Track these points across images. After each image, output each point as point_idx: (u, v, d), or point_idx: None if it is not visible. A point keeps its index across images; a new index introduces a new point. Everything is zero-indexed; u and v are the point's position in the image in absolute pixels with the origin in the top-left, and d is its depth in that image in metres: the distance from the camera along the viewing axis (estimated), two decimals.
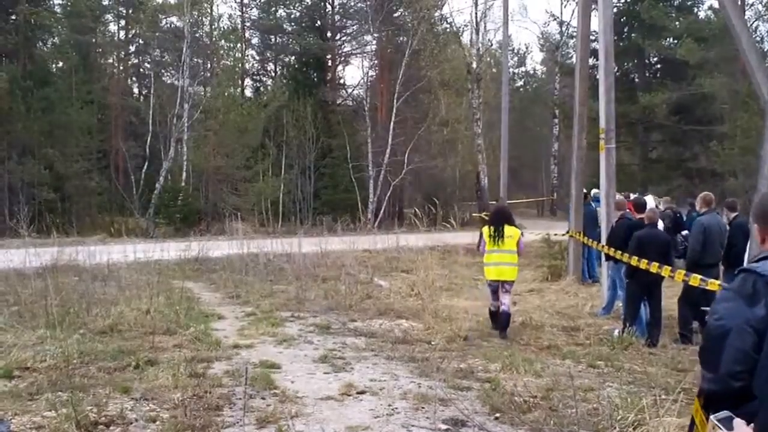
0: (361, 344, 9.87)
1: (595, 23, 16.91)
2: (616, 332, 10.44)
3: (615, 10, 21.61)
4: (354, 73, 72.57)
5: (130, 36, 48.42)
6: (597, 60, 17.30)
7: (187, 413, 6.54)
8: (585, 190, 16.53)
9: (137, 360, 8.44)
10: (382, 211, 39.03)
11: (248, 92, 49.94)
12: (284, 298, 13.79)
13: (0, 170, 33.23)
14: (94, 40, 44.26)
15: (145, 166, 38.95)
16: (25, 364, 8.22)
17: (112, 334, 9.97)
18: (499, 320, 10.83)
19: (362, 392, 7.50)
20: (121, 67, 49.52)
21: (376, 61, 48.20)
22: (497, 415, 6.74)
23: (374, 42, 47.25)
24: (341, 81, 52.15)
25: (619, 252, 11.09)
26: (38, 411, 6.64)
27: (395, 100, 39.79)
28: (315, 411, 6.83)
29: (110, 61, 48.63)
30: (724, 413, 2.51)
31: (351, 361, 8.85)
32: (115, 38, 48.17)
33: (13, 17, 38.66)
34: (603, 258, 13.24)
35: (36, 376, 7.88)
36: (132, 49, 49.44)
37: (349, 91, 51.77)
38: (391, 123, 39.58)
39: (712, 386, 2.69)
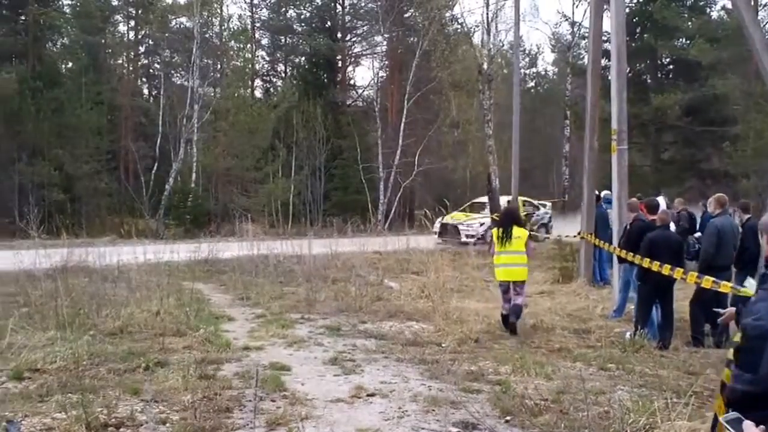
0: (371, 346, 9.83)
1: (608, 24, 16.84)
2: (627, 335, 10.37)
3: (627, 10, 21.52)
4: (364, 74, 72.82)
5: (139, 37, 48.47)
6: (609, 61, 17.28)
7: (197, 415, 6.54)
8: (597, 192, 16.47)
9: (147, 361, 8.45)
10: (392, 213, 39.05)
11: (258, 93, 50.03)
12: (294, 299, 13.80)
13: (10, 171, 33.36)
14: (103, 41, 44.31)
15: (155, 167, 39.03)
16: (35, 365, 8.23)
17: (122, 336, 9.99)
18: (511, 311, 10.95)
19: (372, 394, 7.48)
20: (131, 68, 49.58)
21: (386, 62, 48.27)
22: (508, 418, 6.71)
23: (385, 43, 47.34)
24: (351, 82, 52.23)
25: (631, 254, 11.03)
26: (48, 412, 6.65)
27: (406, 101, 39.83)
28: (325, 413, 6.81)
29: (120, 61, 48.70)
30: (733, 414, 2.48)
31: (361, 363, 8.83)
32: (125, 39, 48.21)
33: (23, 18, 38.83)
34: (615, 260, 13.19)
35: (46, 377, 7.89)
36: (142, 49, 49.50)
37: (360, 92, 51.82)
38: (402, 124, 39.60)
39: (751, 387, 2.62)
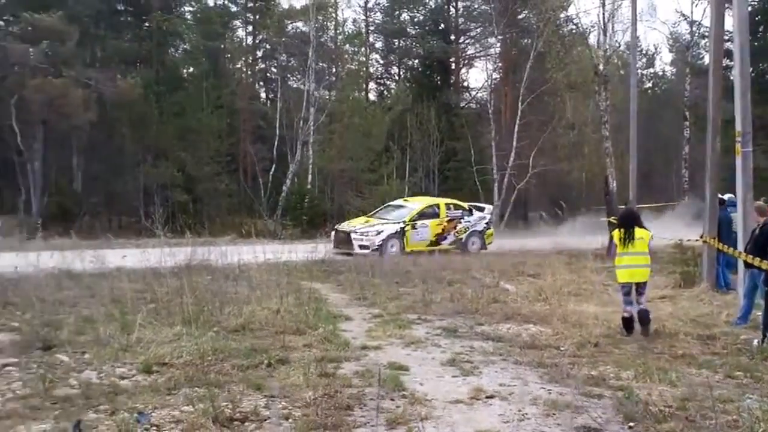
0: (488, 348, 9.78)
1: (729, 23, 16.34)
2: (755, 342, 10.04)
3: (749, 8, 20.84)
4: (478, 76, 72.26)
5: (257, 41, 49.41)
6: (731, 60, 16.74)
7: (319, 412, 6.64)
8: (720, 195, 15.99)
9: (269, 358, 8.62)
10: (506, 215, 38.82)
11: (372, 96, 50.45)
12: (410, 300, 13.82)
13: (136, 173, 34.65)
14: (222, 46, 45.39)
15: (273, 169, 39.79)
16: (163, 359, 8.50)
17: (244, 333, 10.20)
18: (639, 318, 10.83)
19: (491, 396, 7.44)
20: (249, 72, 50.58)
21: (500, 64, 47.97)
22: (631, 424, 6.57)
23: (498, 44, 47.10)
24: (465, 84, 52.16)
25: (758, 259, 10.67)
26: (176, 405, 6.86)
27: (520, 103, 39.56)
28: (444, 414, 6.82)
29: (238, 66, 49.74)
30: None
31: (479, 365, 8.80)
32: (243, 44, 49.24)
33: (147, 24, 40.34)
34: (741, 265, 12.79)
35: (173, 371, 8.12)
36: (259, 54, 50.41)
37: (473, 94, 51.71)
38: (516, 126, 39.43)
39: None
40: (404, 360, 8.97)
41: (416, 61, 50.31)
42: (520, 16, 44.67)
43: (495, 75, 48.56)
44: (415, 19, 51.17)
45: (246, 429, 6.39)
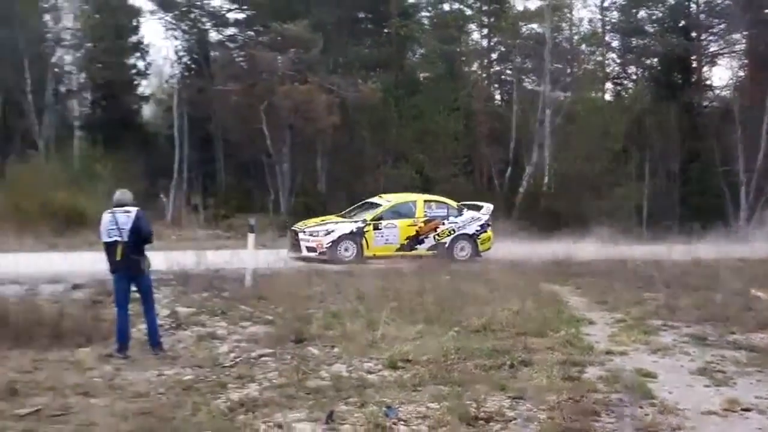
0: (741, 358, 9.27)
1: None
2: None
3: None
4: (722, 74, 68.60)
5: (492, 44, 49.48)
6: None
7: (564, 416, 6.58)
8: None
9: (511, 359, 8.65)
10: (753, 217, 36.76)
11: (608, 96, 49.22)
12: (654, 305, 13.28)
13: (376, 174, 35.66)
14: (458, 50, 45.74)
15: (509, 171, 39.72)
16: (407, 356, 8.72)
17: (485, 333, 10.24)
18: None
19: (748, 409, 7.09)
20: (484, 75, 50.73)
21: (745, 61, 45.49)
22: None
23: (743, 40, 44.70)
24: (707, 82, 49.77)
25: None
26: (422, 402, 7.04)
27: None
28: (697, 425, 6.59)
29: (474, 68, 50.00)
30: None
31: (732, 376, 8.38)
32: (478, 46, 49.45)
33: (386, 30, 41.48)
34: None
35: (417, 368, 8.32)
36: (494, 56, 50.37)
37: (717, 92, 49.24)
38: (764, 126, 37.20)
39: None
40: (651, 367, 8.70)
41: (655, 59, 48.62)
42: (766, 10, 42.23)
43: (740, 72, 46.14)
44: (654, 17, 49.34)
45: (491, 429, 6.44)
